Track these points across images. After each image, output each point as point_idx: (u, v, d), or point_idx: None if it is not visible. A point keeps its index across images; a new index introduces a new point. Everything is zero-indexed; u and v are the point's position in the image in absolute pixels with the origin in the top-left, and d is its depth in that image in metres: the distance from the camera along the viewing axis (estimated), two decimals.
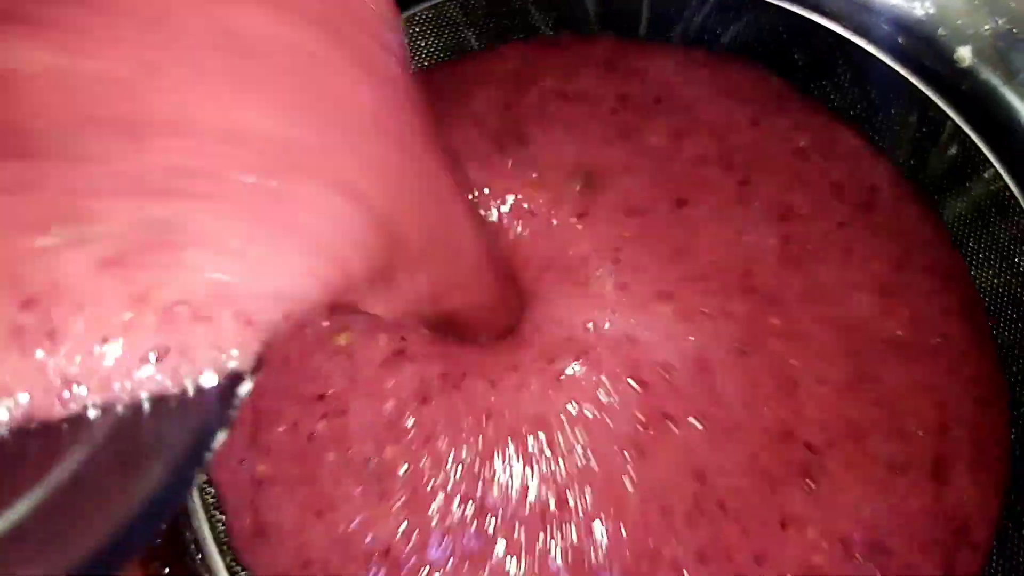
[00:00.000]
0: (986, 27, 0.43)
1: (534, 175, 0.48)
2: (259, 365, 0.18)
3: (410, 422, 0.43)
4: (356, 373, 0.44)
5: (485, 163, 0.49)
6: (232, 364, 0.18)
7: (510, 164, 0.49)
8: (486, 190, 0.48)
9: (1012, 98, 0.43)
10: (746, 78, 0.51)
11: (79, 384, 0.17)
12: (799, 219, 0.46)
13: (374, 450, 0.42)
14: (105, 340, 0.17)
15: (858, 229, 0.46)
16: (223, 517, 0.44)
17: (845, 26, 0.46)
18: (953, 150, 0.45)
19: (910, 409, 0.42)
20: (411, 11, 0.51)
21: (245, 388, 0.18)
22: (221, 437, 0.18)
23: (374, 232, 0.22)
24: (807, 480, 0.41)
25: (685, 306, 0.44)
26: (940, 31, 0.44)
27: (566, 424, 0.42)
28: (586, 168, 0.48)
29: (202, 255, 0.18)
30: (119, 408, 0.17)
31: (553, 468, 0.42)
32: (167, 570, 0.41)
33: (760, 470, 0.41)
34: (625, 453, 0.42)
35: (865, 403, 0.42)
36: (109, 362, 0.17)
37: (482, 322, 0.39)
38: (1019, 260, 0.44)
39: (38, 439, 0.17)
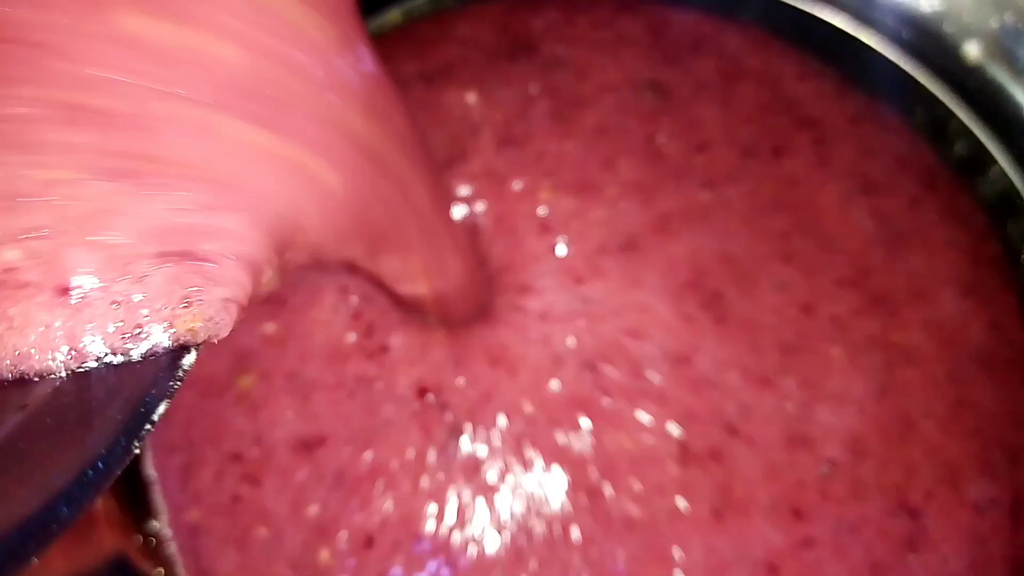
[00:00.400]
0: (993, 22, 0.42)
1: (568, 75, 0.42)
2: (204, 340, 0.18)
3: (344, 537, 0.37)
4: (266, 445, 0.39)
5: (489, 68, 0.42)
6: (177, 334, 0.18)
7: (529, 69, 0.42)
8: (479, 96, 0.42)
9: (1019, 94, 0.42)
10: (771, 42, 0.46)
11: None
12: (879, 193, 0.42)
13: (303, 547, 0.37)
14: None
15: (928, 210, 0.42)
16: None
17: (850, 20, 0.45)
18: (959, 146, 0.44)
19: (998, 436, 0.38)
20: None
21: (189, 359, 0.18)
22: (163, 408, 0.18)
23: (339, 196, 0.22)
24: (910, 554, 0.36)
25: (856, 338, 0.38)
26: (946, 26, 0.43)
27: None
28: (649, 80, 0.42)
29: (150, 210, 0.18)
30: (60, 374, 0.17)
31: None
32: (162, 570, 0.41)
33: (872, 564, 0.36)
34: None
35: (961, 436, 0.38)
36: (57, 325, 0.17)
37: (448, 307, 0.38)
38: None
39: None
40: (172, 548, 0.39)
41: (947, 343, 0.39)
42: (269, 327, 0.40)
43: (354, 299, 0.40)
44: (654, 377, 0.38)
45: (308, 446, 0.38)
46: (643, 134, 0.42)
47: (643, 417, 0.38)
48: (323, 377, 0.39)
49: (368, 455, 0.38)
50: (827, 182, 0.42)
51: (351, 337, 0.40)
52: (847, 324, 0.39)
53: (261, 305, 0.40)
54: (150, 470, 0.40)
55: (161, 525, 0.40)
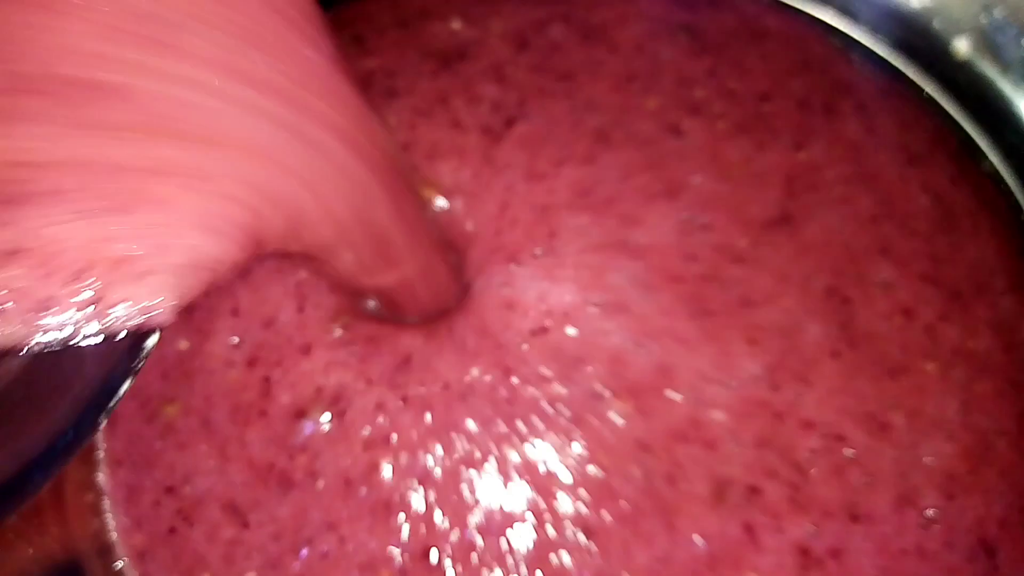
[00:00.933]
0: (982, 18, 0.42)
1: (577, 8, 0.37)
2: (167, 320, 0.19)
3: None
4: (196, 489, 0.34)
5: (474, 3, 0.38)
6: (139, 315, 0.19)
7: (525, 2, 0.37)
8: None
9: (1008, 89, 0.42)
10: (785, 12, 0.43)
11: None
12: (923, 165, 0.38)
13: None
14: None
15: (967, 193, 0.39)
16: None
17: (838, 16, 0.46)
18: (950, 142, 0.45)
19: None
20: None
21: (152, 340, 0.19)
22: (127, 385, 0.19)
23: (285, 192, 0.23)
24: None
25: (944, 350, 0.35)
26: (936, 23, 0.43)
27: None
28: (680, 23, 0.38)
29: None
30: (29, 350, 0.18)
31: None
32: None
33: None
34: None
35: None
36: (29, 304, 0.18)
37: (414, 300, 0.35)
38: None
39: None
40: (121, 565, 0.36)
41: (1008, 347, 0.36)
42: (183, 343, 0.36)
43: (252, 330, 0.35)
44: (801, 479, 0.33)
45: (236, 512, 0.34)
46: (701, 68, 0.37)
47: (781, 537, 0.32)
48: (231, 437, 0.34)
49: (304, 554, 0.33)
50: (879, 151, 0.39)
51: (248, 396, 0.35)
52: (937, 332, 0.35)
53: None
54: (100, 476, 0.37)
55: (113, 538, 0.36)
